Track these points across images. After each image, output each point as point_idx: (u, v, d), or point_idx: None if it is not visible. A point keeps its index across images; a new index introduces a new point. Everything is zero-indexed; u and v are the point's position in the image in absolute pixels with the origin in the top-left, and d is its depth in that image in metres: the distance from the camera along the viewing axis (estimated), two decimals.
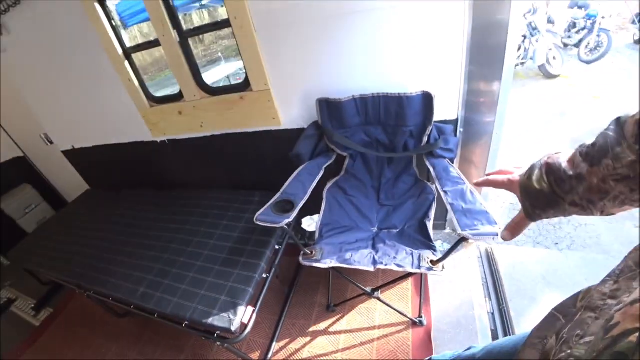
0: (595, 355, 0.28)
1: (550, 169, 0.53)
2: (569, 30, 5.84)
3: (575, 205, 0.50)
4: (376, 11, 1.41)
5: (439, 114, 1.55)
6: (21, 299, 2.78)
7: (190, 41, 1.82)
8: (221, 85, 2.53)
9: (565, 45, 5.86)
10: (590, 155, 0.47)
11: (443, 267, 1.28)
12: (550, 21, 5.99)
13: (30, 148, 3.37)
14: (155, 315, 1.53)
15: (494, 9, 1.35)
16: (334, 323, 1.77)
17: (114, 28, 1.89)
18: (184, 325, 1.43)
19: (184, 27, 1.75)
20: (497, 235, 1.11)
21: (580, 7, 5.70)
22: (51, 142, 2.97)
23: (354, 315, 1.78)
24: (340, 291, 1.91)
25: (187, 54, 1.79)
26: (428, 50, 1.46)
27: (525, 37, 5.13)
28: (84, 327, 2.26)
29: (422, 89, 1.51)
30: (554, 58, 5.01)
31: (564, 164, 0.51)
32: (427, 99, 1.51)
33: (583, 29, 5.52)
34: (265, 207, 1.36)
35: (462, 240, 1.17)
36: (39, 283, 2.67)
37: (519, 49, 5.16)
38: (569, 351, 0.34)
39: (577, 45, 5.49)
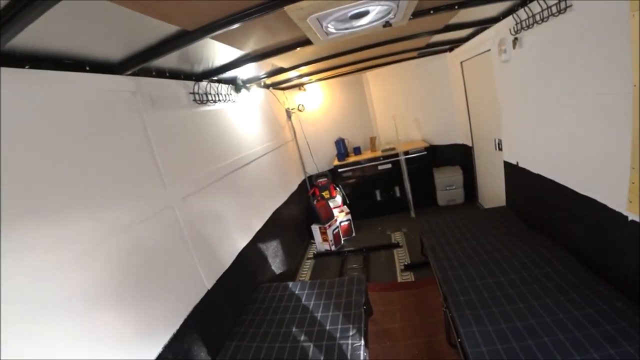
0: None
1: None
2: None
3: None
4: None
5: None
6: (403, 250, 3.46)
7: None
8: None
9: None
10: None
11: None
12: None
13: (479, 144, 3.76)
14: None
15: None
16: None
17: None
18: None
19: None
20: None
21: None
22: (499, 149, 3.09)
23: None
24: None
25: None
26: None
27: None
28: (418, 317, 2.44)
29: None
30: None
31: None
32: None
33: None
34: None
35: None
36: (420, 250, 3.18)
37: None
38: None
39: None
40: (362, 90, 4.77)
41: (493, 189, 3.50)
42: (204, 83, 2.26)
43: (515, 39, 2.33)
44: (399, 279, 2.93)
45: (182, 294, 1.66)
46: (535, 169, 2.45)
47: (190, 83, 2.10)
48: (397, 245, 3.52)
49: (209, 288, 1.87)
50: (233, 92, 2.75)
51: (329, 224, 3.71)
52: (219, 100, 2.44)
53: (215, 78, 2.44)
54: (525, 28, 2.14)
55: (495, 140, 3.17)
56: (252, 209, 2.70)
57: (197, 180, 1.98)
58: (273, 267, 2.90)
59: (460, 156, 4.32)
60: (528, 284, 1.85)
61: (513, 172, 2.82)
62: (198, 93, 2.15)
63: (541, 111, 2.23)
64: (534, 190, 2.50)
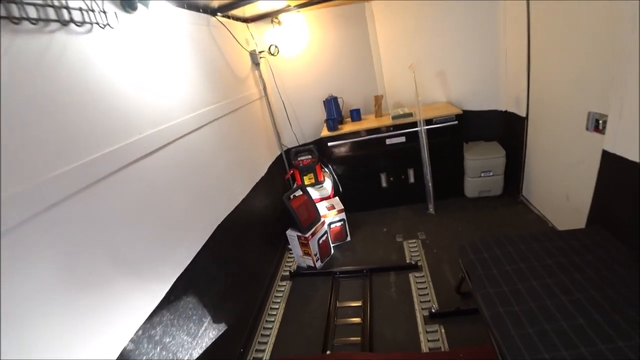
0: None
1: None
2: None
3: None
4: None
5: None
6: (424, 276, 2.32)
7: None
8: None
9: None
10: None
11: None
12: None
13: (541, 115, 2.48)
14: None
15: None
16: None
17: None
18: None
19: None
20: None
21: None
22: (597, 129, 1.86)
23: None
24: None
25: None
26: None
27: None
28: None
29: None
30: None
31: None
32: None
33: None
34: None
35: None
36: (456, 286, 2.07)
37: None
38: None
39: None
40: (365, 27, 3.31)
41: (562, 188, 2.33)
42: None
43: None
44: (423, 341, 1.82)
45: None
46: None
47: None
48: (414, 267, 2.39)
49: None
50: (117, 9, 1.36)
51: (312, 231, 2.52)
52: (49, 19, 1.07)
53: None
54: None
55: (589, 115, 1.91)
56: (170, 233, 1.48)
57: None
58: (216, 319, 1.76)
59: (500, 129, 3.08)
60: None
61: (625, 174, 1.62)
62: None
63: None
64: None
